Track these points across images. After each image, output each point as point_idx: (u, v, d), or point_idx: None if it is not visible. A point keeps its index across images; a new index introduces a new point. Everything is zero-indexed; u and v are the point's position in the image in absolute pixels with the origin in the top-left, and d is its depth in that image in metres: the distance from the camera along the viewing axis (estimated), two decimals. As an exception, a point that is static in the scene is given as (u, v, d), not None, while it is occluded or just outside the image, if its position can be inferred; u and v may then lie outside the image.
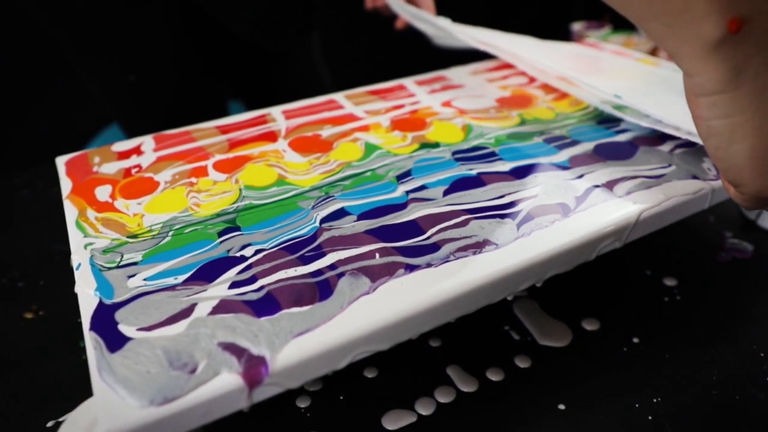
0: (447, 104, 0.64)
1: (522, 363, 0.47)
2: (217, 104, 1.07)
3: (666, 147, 0.52)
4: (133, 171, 0.51)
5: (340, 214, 0.45)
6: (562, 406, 0.43)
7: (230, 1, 0.95)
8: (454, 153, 0.53)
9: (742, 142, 0.36)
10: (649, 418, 0.42)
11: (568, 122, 0.58)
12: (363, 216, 0.44)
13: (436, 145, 0.55)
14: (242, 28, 1.00)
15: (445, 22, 0.77)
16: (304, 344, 0.34)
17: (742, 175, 0.37)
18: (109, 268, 0.40)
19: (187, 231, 0.43)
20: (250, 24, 1.00)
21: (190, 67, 0.99)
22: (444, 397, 0.44)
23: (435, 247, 0.41)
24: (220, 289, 0.38)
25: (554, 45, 0.76)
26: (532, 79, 0.70)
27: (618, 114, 0.56)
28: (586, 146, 0.53)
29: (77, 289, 0.38)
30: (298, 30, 1.05)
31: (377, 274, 0.38)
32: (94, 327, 0.35)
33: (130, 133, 1.04)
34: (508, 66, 0.74)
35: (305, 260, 0.40)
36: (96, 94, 1.01)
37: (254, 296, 0.37)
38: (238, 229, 0.43)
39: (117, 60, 0.94)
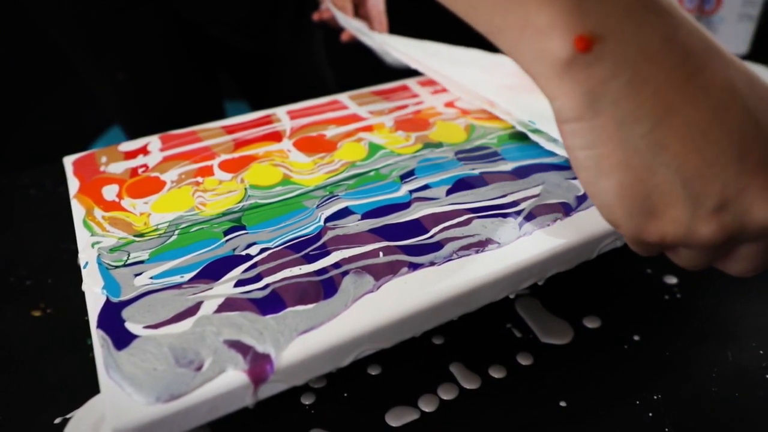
0: (450, 104, 0.64)
1: (524, 360, 0.47)
2: (212, 105, 1.08)
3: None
4: (140, 170, 0.52)
5: (345, 213, 0.45)
6: (563, 403, 0.44)
7: (210, 6, 0.95)
8: (457, 153, 0.53)
9: (609, 177, 0.32)
10: (650, 415, 0.43)
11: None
12: (367, 215, 0.45)
13: (439, 145, 0.55)
14: (224, 32, 1.01)
15: (380, 38, 0.74)
16: (309, 342, 0.34)
17: (616, 215, 0.33)
18: (116, 267, 0.40)
19: (193, 230, 0.44)
20: (231, 28, 1.00)
21: (181, 67, 1.00)
22: (447, 394, 0.45)
23: (438, 246, 0.41)
24: (225, 287, 0.38)
25: (503, 59, 0.74)
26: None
27: (534, 137, 0.54)
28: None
29: (84, 287, 0.39)
30: (291, 32, 1.05)
31: (381, 273, 0.39)
32: (101, 325, 0.35)
33: (129, 133, 1.05)
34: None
35: (310, 259, 0.40)
36: (95, 94, 1.02)
37: (259, 294, 0.37)
38: (243, 228, 0.44)
39: (106, 59, 0.95)
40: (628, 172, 0.31)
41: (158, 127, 0.65)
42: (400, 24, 0.80)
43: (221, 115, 1.06)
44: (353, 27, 0.78)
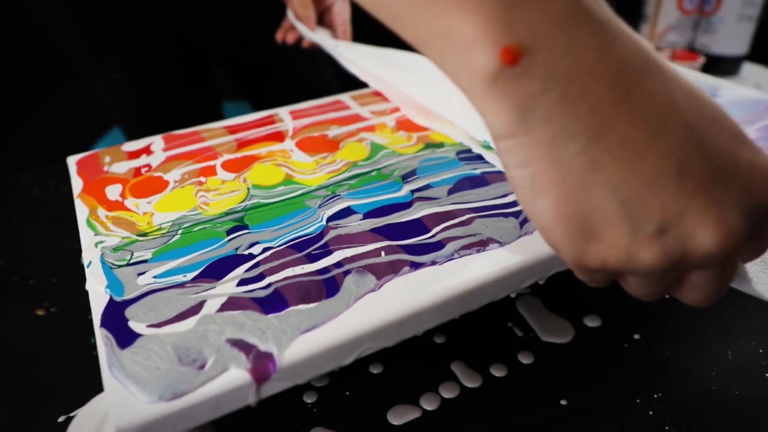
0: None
1: (525, 359, 0.47)
2: (208, 107, 1.08)
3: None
4: (143, 170, 0.52)
5: (347, 212, 0.45)
6: (564, 402, 0.44)
7: (192, 15, 0.95)
8: (458, 153, 0.53)
9: (544, 197, 0.30)
10: (650, 413, 0.43)
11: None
12: (369, 215, 0.45)
13: (440, 145, 0.55)
14: (210, 41, 1.01)
15: (341, 48, 0.71)
16: (311, 341, 0.34)
17: (554, 238, 0.31)
18: (120, 266, 0.40)
19: (196, 229, 0.44)
20: (215, 36, 1.01)
21: (174, 70, 1.00)
22: (448, 392, 0.45)
23: (440, 245, 0.41)
24: (228, 286, 0.38)
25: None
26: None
27: (489, 156, 0.53)
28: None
29: (88, 286, 0.39)
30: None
31: (383, 272, 0.39)
32: (104, 324, 0.36)
33: (127, 133, 1.05)
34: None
35: (312, 258, 0.40)
36: (94, 94, 1.02)
37: (262, 293, 0.37)
38: (246, 227, 0.44)
39: (101, 59, 0.95)
40: (564, 193, 0.29)
41: (154, 128, 0.65)
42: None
43: (218, 117, 1.07)
44: (316, 40, 0.76)
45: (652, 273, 0.30)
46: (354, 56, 0.65)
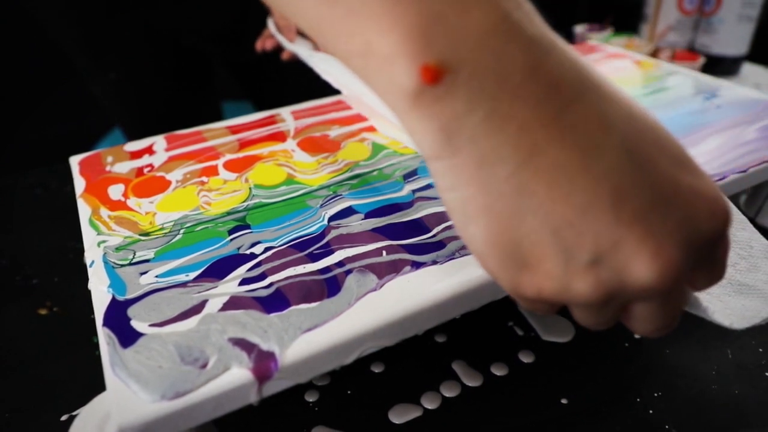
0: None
1: (526, 358, 0.47)
2: (206, 107, 1.08)
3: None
4: (145, 170, 0.52)
5: (348, 212, 0.45)
6: (564, 401, 0.44)
7: (182, 18, 0.96)
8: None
9: (476, 223, 0.28)
10: (650, 412, 0.43)
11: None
12: (370, 214, 0.45)
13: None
14: (202, 44, 1.01)
15: (308, 53, 0.70)
16: (313, 340, 0.34)
17: (489, 266, 0.29)
18: (122, 266, 0.41)
19: (198, 229, 0.44)
20: (209, 40, 1.01)
21: (170, 71, 1.01)
22: (449, 391, 0.45)
23: (441, 245, 0.41)
24: (230, 285, 0.38)
25: None
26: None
27: None
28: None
29: (90, 285, 0.39)
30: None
31: (384, 272, 0.39)
32: (107, 323, 0.36)
33: (127, 133, 1.05)
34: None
35: (314, 258, 0.41)
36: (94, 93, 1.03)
37: (264, 293, 0.38)
38: (248, 227, 0.44)
39: (99, 59, 0.95)
40: (494, 219, 0.28)
41: (154, 128, 0.65)
42: None
43: (217, 117, 1.07)
44: (293, 49, 0.76)
45: (588, 305, 0.29)
46: (327, 66, 0.65)
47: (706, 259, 0.29)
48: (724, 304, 0.38)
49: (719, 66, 1.06)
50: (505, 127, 0.26)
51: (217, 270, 0.40)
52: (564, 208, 0.26)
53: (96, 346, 0.49)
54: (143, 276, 0.40)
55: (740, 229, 0.43)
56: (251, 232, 0.43)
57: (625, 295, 0.28)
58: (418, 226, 0.43)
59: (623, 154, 0.27)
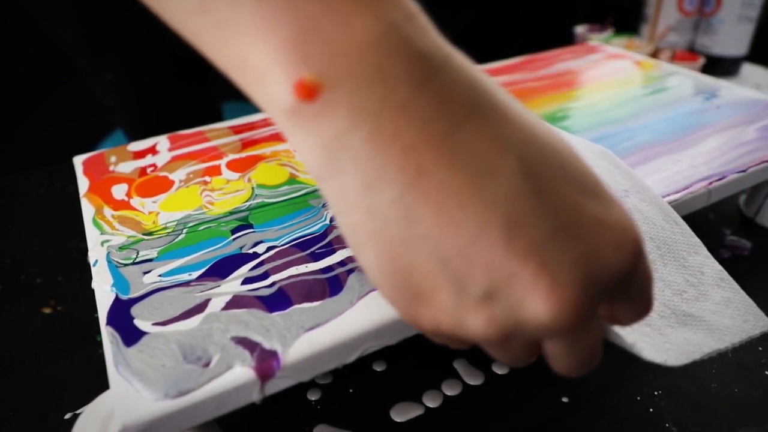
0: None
1: (527, 357, 0.47)
2: (205, 107, 1.08)
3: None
4: (149, 170, 0.52)
5: (350, 212, 0.45)
6: (565, 399, 0.44)
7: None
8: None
9: (366, 249, 0.26)
10: (650, 410, 0.43)
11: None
12: (372, 214, 0.45)
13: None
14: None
15: None
16: (315, 339, 0.34)
17: (385, 296, 0.27)
18: (125, 265, 0.41)
19: (200, 228, 0.44)
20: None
21: (166, 72, 1.00)
22: (451, 390, 0.45)
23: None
24: (233, 285, 0.38)
25: None
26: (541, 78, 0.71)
27: None
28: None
29: (94, 285, 0.39)
30: None
31: (385, 271, 0.39)
32: (110, 322, 0.36)
33: (127, 133, 1.05)
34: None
35: (316, 257, 0.41)
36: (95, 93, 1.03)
37: (266, 292, 0.38)
38: (250, 226, 0.44)
39: (97, 59, 0.95)
40: (383, 247, 0.26)
41: (154, 128, 0.65)
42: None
43: (218, 116, 1.07)
44: None
45: (485, 342, 0.27)
46: None
47: (622, 293, 0.28)
48: (664, 338, 0.36)
49: (719, 66, 1.07)
50: (390, 147, 0.24)
51: (220, 269, 0.40)
52: (454, 237, 0.24)
53: (99, 344, 0.49)
54: (146, 275, 0.40)
55: (692, 254, 0.42)
56: (254, 232, 0.44)
57: (525, 333, 0.26)
58: (420, 226, 0.43)
59: (519, 179, 0.25)
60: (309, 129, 0.25)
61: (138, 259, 0.41)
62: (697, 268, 0.41)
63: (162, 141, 0.58)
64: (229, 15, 0.24)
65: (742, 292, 0.40)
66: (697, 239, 0.43)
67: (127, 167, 0.53)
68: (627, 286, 0.27)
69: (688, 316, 0.38)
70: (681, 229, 0.43)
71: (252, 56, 0.25)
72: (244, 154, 0.55)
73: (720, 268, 0.41)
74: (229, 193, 0.48)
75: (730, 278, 0.41)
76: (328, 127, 0.24)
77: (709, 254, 0.42)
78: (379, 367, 0.47)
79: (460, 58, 0.26)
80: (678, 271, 0.41)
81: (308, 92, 0.24)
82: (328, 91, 0.24)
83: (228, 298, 0.37)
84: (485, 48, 0.91)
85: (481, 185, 0.24)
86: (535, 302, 0.24)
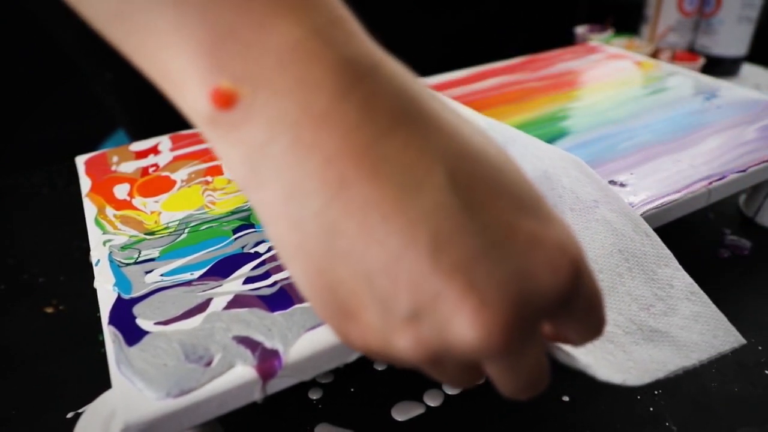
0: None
1: (527, 357, 0.47)
2: None
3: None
4: (151, 170, 0.52)
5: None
6: (566, 398, 0.44)
7: None
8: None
9: (293, 264, 0.25)
10: (651, 409, 0.43)
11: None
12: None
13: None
14: None
15: None
16: (316, 338, 0.34)
17: (316, 311, 0.26)
18: (127, 264, 0.41)
19: (202, 228, 0.44)
20: None
21: None
22: (452, 389, 0.45)
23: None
24: (234, 284, 0.39)
25: None
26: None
27: None
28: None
29: (96, 284, 0.39)
30: None
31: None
32: (112, 321, 0.36)
33: (128, 132, 1.06)
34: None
35: (316, 257, 0.41)
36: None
37: (268, 291, 0.38)
38: (252, 226, 0.44)
39: (95, 58, 0.95)
40: (308, 261, 0.24)
41: (154, 127, 0.65)
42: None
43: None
44: None
45: (417, 363, 0.26)
46: None
47: (565, 314, 0.26)
48: (627, 355, 0.35)
49: (719, 67, 1.07)
50: (311, 158, 0.23)
51: (222, 269, 0.40)
52: (378, 253, 0.23)
53: (101, 344, 0.49)
54: (148, 275, 0.40)
55: (662, 266, 0.41)
56: (255, 231, 0.44)
57: (454, 355, 0.25)
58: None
59: (448, 194, 0.23)
60: (228, 139, 0.24)
61: (140, 259, 0.41)
62: (666, 281, 0.40)
63: (164, 141, 0.58)
64: (145, 20, 0.23)
65: (713, 306, 0.39)
66: (667, 251, 0.42)
67: (129, 167, 0.53)
68: (569, 307, 0.26)
69: (655, 332, 0.37)
70: (651, 241, 0.42)
71: (170, 63, 0.23)
72: (245, 154, 0.55)
73: (690, 281, 0.40)
74: (230, 193, 0.48)
75: (701, 291, 0.40)
76: (247, 136, 0.23)
77: (679, 267, 0.41)
78: (380, 367, 0.47)
79: (392, 65, 0.25)
80: (646, 284, 0.40)
81: (225, 100, 0.23)
82: (246, 100, 0.23)
83: (230, 297, 0.37)
84: (486, 48, 0.91)
85: (407, 199, 0.23)
86: (462, 323, 0.23)
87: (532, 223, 0.24)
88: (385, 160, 0.23)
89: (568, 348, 0.32)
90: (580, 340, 0.29)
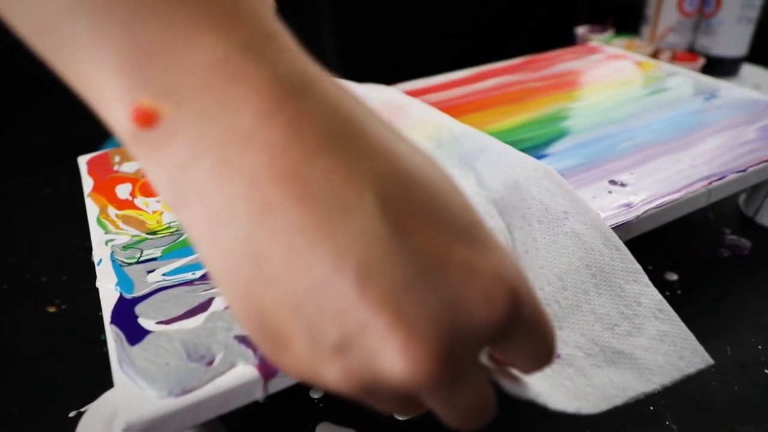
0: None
1: (528, 356, 0.47)
2: None
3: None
4: (152, 170, 0.53)
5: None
6: (565, 398, 0.44)
7: None
8: (462, 152, 0.54)
9: (223, 287, 0.24)
10: (651, 409, 0.43)
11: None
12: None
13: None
14: None
15: None
16: (317, 337, 0.34)
17: (251, 337, 0.25)
18: (129, 264, 0.41)
19: (204, 228, 0.44)
20: None
21: None
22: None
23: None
24: (236, 284, 0.39)
25: (370, 89, 0.63)
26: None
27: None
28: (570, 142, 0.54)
29: (98, 284, 0.40)
30: None
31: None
32: (114, 321, 0.36)
33: None
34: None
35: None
36: None
37: (269, 291, 0.38)
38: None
39: None
40: (236, 285, 0.23)
41: None
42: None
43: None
44: None
45: (348, 394, 0.24)
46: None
47: (508, 343, 0.26)
48: (586, 380, 0.34)
49: (719, 67, 1.07)
50: (235, 181, 0.22)
51: (223, 268, 0.40)
52: (304, 280, 0.22)
53: (104, 343, 0.49)
54: (150, 274, 0.40)
55: (631, 282, 0.40)
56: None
57: (386, 388, 0.23)
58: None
59: (377, 219, 0.22)
60: (152, 157, 0.23)
61: (142, 258, 0.41)
62: (634, 298, 0.39)
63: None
64: (68, 34, 0.22)
65: (682, 325, 0.38)
66: (637, 266, 0.41)
67: (132, 167, 0.53)
68: (511, 337, 0.25)
69: (618, 354, 0.36)
70: (621, 255, 0.41)
71: (93, 79, 0.22)
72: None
73: (659, 298, 0.39)
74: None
75: (670, 309, 0.39)
76: (171, 156, 0.22)
77: (649, 283, 0.40)
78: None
79: (326, 83, 0.24)
80: (612, 301, 0.39)
81: (146, 119, 0.22)
82: (168, 118, 0.22)
83: (231, 297, 0.37)
84: (486, 48, 0.91)
85: (334, 225, 0.22)
86: (390, 355, 0.22)
87: (466, 251, 0.24)
88: (313, 182, 0.22)
89: (520, 374, 0.31)
90: (529, 368, 0.28)
